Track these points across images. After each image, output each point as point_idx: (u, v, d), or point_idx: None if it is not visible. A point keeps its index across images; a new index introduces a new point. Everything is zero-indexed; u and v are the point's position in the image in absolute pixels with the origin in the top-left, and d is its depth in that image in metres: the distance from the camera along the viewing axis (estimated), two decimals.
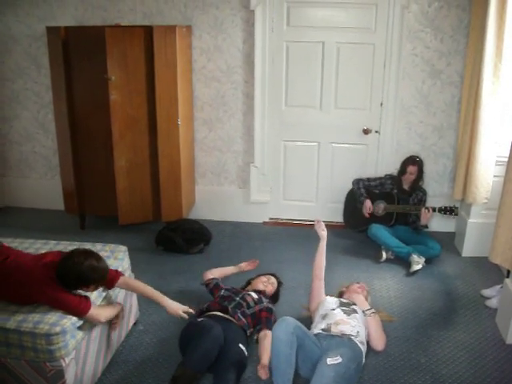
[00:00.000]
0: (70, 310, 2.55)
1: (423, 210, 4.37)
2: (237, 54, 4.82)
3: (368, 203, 4.61)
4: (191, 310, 3.03)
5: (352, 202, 4.83)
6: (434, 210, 4.41)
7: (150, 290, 3.01)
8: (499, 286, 3.75)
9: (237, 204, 5.24)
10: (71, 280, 2.55)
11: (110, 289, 2.94)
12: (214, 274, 3.66)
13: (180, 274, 4.15)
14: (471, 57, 4.34)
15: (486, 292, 3.86)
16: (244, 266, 3.78)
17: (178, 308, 2.98)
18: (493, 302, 3.71)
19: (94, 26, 4.71)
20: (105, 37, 4.17)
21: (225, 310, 3.12)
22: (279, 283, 3.71)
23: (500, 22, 3.92)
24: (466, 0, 4.46)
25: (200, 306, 3.30)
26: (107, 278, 2.74)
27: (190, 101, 4.91)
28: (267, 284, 3.58)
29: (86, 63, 4.45)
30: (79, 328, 2.59)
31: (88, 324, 2.67)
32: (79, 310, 2.57)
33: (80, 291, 2.64)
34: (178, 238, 4.47)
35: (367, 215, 4.62)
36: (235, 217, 5.23)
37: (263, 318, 3.21)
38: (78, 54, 4.44)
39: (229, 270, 3.76)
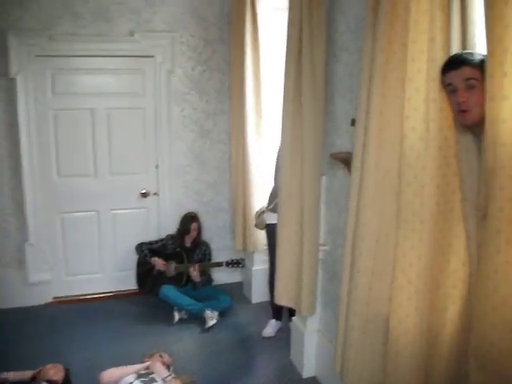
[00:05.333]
0: None
1: (191, 268, 4.61)
2: None
3: (157, 260, 4.73)
4: None
5: (143, 266, 4.83)
6: (221, 264, 4.74)
7: None
8: (272, 319, 4.26)
9: (14, 287, 4.85)
10: None
11: None
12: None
13: None
14: (235, 116, 4.82)
15: (267, 331, 4.25)
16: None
17: None
18: (268, 331, 4.21)
19: None
20: None
21: None
22: (67, 370, 3.48)
23: (256, 84, 4.47)
24: (226, 65, 4.97)
25: None
26: None
27: None
28: (56, 371, 3.35)
29: None
30: None
31: None
32: None
33: None
34: None
35: (162, 268, 4.69)
36: (14, 302, 4.82)
37: None
38: None
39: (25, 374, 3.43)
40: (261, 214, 4.22)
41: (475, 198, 1.89)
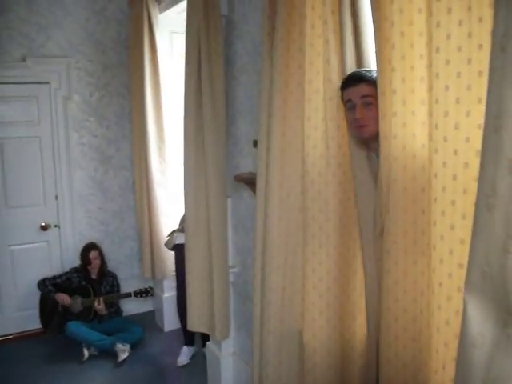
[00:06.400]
0: None
1: (95, 302, 4.48)
2: None
3: (61, 295, 4.50)
4: None
5: (47, 303, 4.59)
6: (129, 295, 4.64)
7: None
8: (184, 346, 4.24)
9: None
10: None
11: None
12: None
13: None
14: (137, 141, 4.77)
15: (181, 360, 4.21)
16: None
17: None
18: (182, 359, 4.18)
19: None
20: None
21: None
22: None
23: (157, 107, 4.47)
24: (125, 89, 4.91)
25: None
26: None
27: None
28: None
29: None
30: None
31: None
32: None
33: None
34: None
35: (68, 304, 4.48)
36: None
37: None
38: None
39: None
40: (171, 233, 4.20)
41: (368, 213, 1.99)
